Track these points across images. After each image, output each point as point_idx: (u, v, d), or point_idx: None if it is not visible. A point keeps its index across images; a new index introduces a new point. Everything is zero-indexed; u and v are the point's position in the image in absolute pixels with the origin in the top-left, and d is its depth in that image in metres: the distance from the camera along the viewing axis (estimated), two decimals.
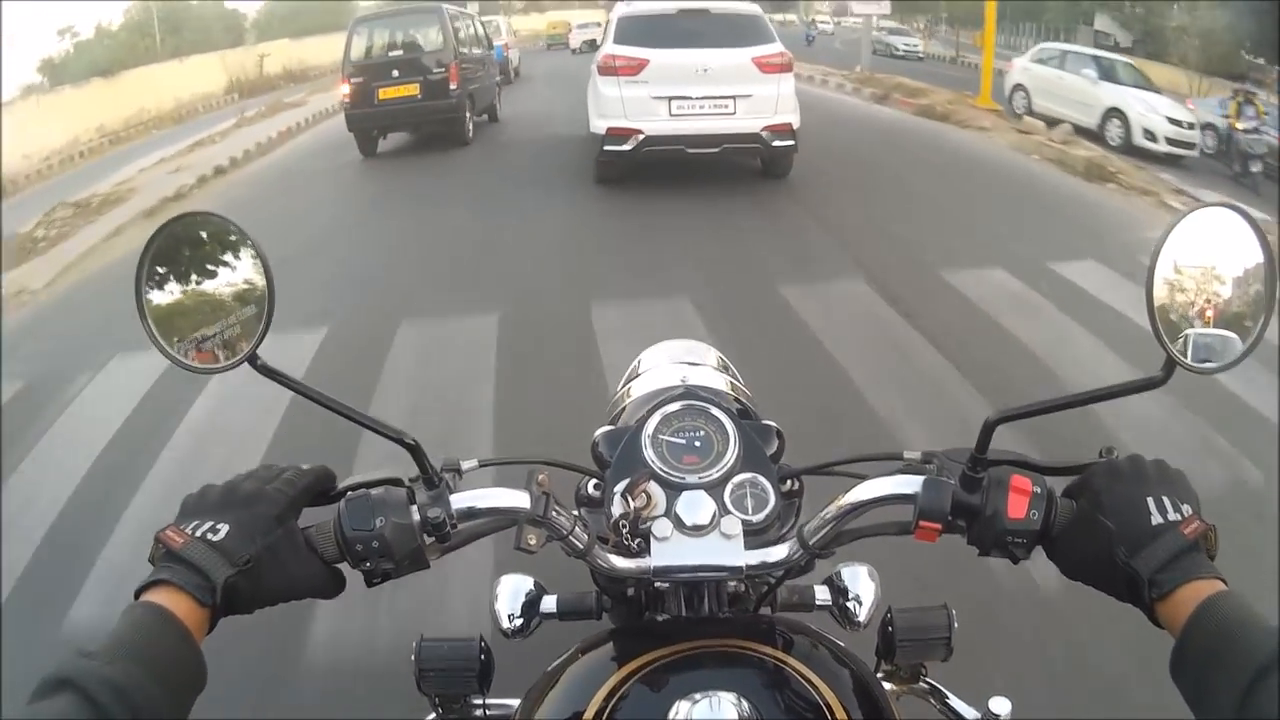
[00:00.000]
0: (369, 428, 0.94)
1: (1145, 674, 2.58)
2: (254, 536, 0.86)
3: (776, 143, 9.05)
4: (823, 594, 1.25)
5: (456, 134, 13.14)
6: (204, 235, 0.95)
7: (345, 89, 12.88)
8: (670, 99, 8.88)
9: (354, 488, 0.96)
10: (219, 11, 42.76)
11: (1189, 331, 0.88)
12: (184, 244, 0.94)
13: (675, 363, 1.57)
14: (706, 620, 1.13)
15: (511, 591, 1.25)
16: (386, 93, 12.66)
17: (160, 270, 0.92)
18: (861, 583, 1.24)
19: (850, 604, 1.23)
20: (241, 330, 0.93)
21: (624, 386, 1.55)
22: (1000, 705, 1.11)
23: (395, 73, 12.72)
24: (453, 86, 12.71)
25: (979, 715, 1.14)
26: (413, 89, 12.68)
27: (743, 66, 8.91)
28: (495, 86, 16.29)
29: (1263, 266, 0.86)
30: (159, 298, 0.93)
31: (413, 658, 1.12)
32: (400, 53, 13.24)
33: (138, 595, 0.81)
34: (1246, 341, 0.87)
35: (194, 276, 0.94)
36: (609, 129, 8.97)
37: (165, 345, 0.92)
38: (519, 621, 1.24)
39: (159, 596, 0.80)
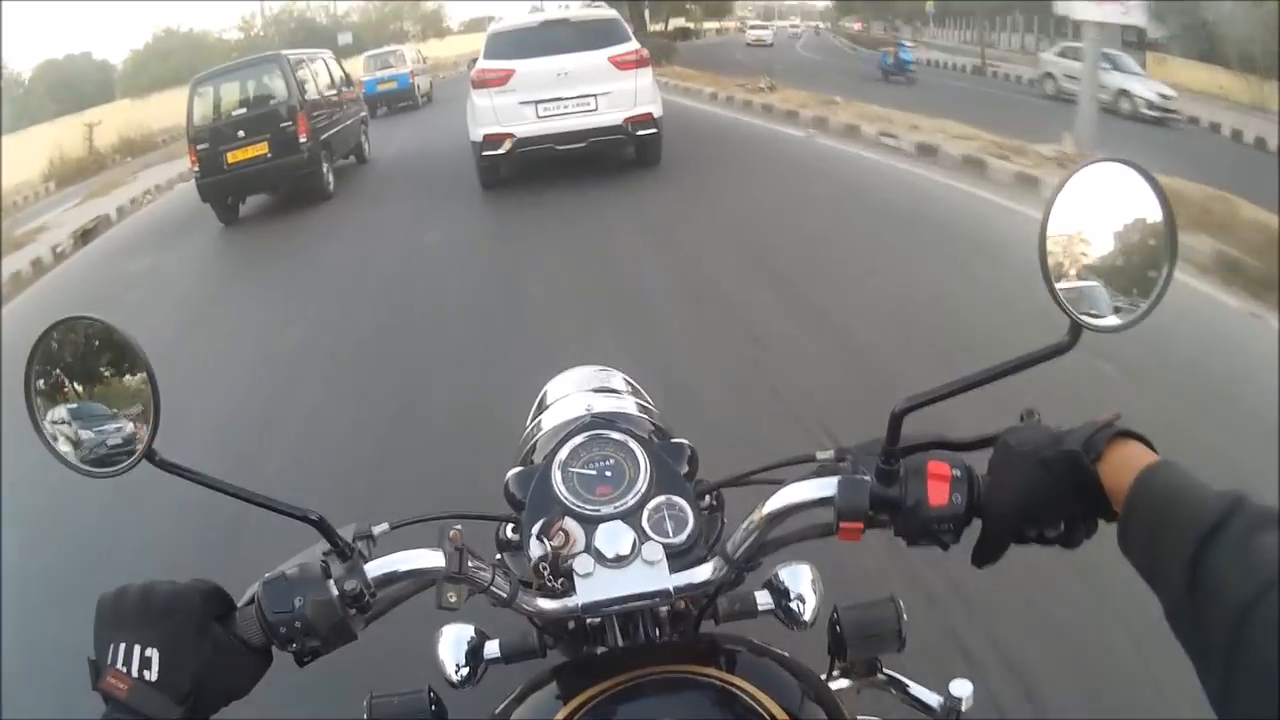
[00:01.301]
0: (272, 509, 0.96)
1: (1100, 633, 2.71)
2: (186, 658, 0.88)
3: (640, 132, 10.54)
4: (764, 599, 1.26)
5: (316, 188, 12.77)
6: (86, 339, 0.98)
7: (191, 156, 12.45)
8: (537, 103, 10.29)
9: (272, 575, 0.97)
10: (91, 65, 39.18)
11: (1089, 285, 0.89)
12: (65, 350, 0.97)
13: (581, 391, 1.59)
14: (647, 647, 1.15)
15: (454, 641, 1.26)
16: (235, 155, 12.20)
17: (48, 378, 0.96)
18: (802, 583, 1.24)
19: (794, 604, 1.23)
20: (133, 429, 0.96)
21: (532, 422, 1.57)
22: (962, 687, 1.14)
23: (241, 133, 12.23)
24: (302, 139, 12.29)
25: (941, 700, 1.17)
26: (261, 148, 12.22)
27: (600, 66, 10.33)
28: (361, 125, 16.10)
29: (1160, 220, 0.86)
30: (48, 408, 0.95)
31: (365, 717, 1.14)
32: (244, 111, 12.72)
33: None
34: (1150, 296, 0.87)
35: (82, 382, 0.98)
36: (485, 135, 10.38)
37: (63, 455, 0.95)
38: (465, 670, 1.25)
39: None
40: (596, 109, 10.39)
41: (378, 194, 13.07)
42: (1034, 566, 1.20)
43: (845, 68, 30.92)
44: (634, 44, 10.73)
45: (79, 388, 0.97)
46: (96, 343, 0.97)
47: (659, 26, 37.56)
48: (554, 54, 10.38)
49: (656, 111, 10.58)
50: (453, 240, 9.44)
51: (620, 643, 1.16)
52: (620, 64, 10.43)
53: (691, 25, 47.61)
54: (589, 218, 9.47)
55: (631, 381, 1.71)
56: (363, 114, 16.42)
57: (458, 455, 4.37)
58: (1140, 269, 0.87)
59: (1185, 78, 22.68)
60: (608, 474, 1.18)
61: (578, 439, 1.22)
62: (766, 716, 0.93)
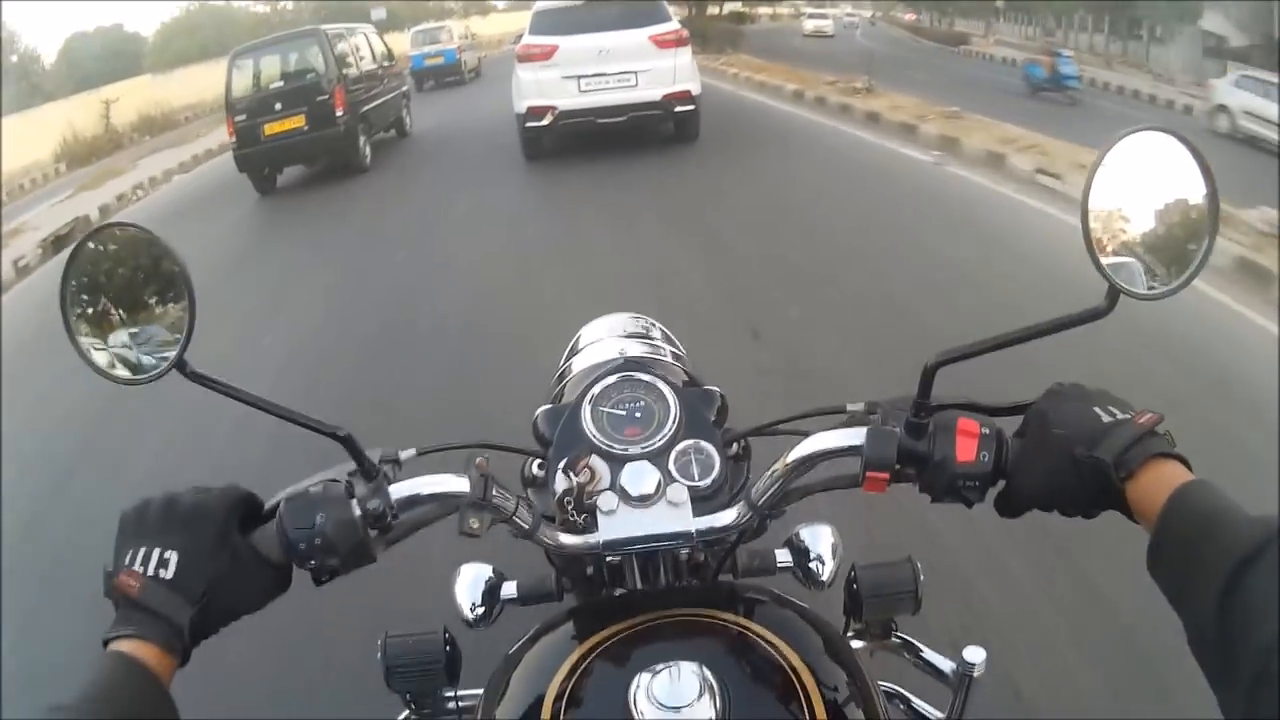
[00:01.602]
0: (301, 424, 0.95)
1: (1112, 613, 2.72)
2: (204, 562, 0.88)
3: (678, 108, 11.06)
4: (784, 556, 1.27)
5: (352, 162, 12.93)
6: (123, 247, 0.97)
7: (229, 128, 12.65)
8: (579, 77, 10.76)
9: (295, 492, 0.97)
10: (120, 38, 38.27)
11: (1129, 259, 0.88)
12: (103, 258, 0.97)
13: (614, 336, 1.60)
14: (665, 591, 1.15)
15: (471, 581, 1.26)
16: (272, 128, 12.37)
17: (82, 286, 0.95)
18: (822, 542, 1.25)
19: (813, 564, 1.24)
20: (167, 338, 0.95)
21: (564, 363, 1.58)
22: (975, 654, 1.13)
23: (279, 105, 12.41)
24: (339, 112, 12.42)
25: (954, 665, 1.16)
26: (298, 120, 12.37)
27: (641, 45, 10.77)
28: (402, 100, 16.15)
29: (1202, 189, 0.85)
30: (84, 313, 0.95)
31: (379, 655, 1.14)
32: (282, 84, 12.90)
33: (105, 643, 0.83)
34: (1191, 266, 0.86)
35: (116, 289, 0.97)
36: (529, 108, 10.90)
37: (95, 360, 0.95)
38: (481, 610, 1.26)
39: (127, 647, 0.82)
40: (636, 85, 10.79)
41: (415, 167, 13.14)
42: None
43: (938, 66, 27.95)
44: (674, 24, 11.15)
45: (114, 295, 0.97)
46: (135, 251, 0.97)
47: (715, 10, 36.58)
48: (596, 31, 10.83)
49: (695, 89, 11.02)
50: (486, 209, 9.69)
51: (639, 586, 1.16)
52: (660, 43, 10.82)
53: (746, 10, 45.51)
54: (627, 194, 9.61)
55: (665, 329, 1.72)
56: (404, 88, 16.46)
57: (491, 392, 4.51)
58: (1181, 239, 0.87)
59: None
60: (637, 415, 1.19)
61: (609, 379, 1.23)
62: (784, 664, 0.92)
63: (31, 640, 3.16)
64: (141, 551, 0.87)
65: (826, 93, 15.94)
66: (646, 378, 1.22)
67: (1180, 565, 0.75)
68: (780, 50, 27.38)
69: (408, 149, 14.97)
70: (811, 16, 50.36)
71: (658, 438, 1.15)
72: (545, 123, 10.93)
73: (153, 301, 0.97)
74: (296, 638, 2.71)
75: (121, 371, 0.96)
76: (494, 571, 1.28)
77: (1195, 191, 0.86)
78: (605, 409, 1.19)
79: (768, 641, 0.95)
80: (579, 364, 1.49)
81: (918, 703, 1.23)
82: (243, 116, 12.41)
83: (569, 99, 10.83)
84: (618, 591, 1.20)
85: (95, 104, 26.38)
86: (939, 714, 1.18)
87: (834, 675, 0.96)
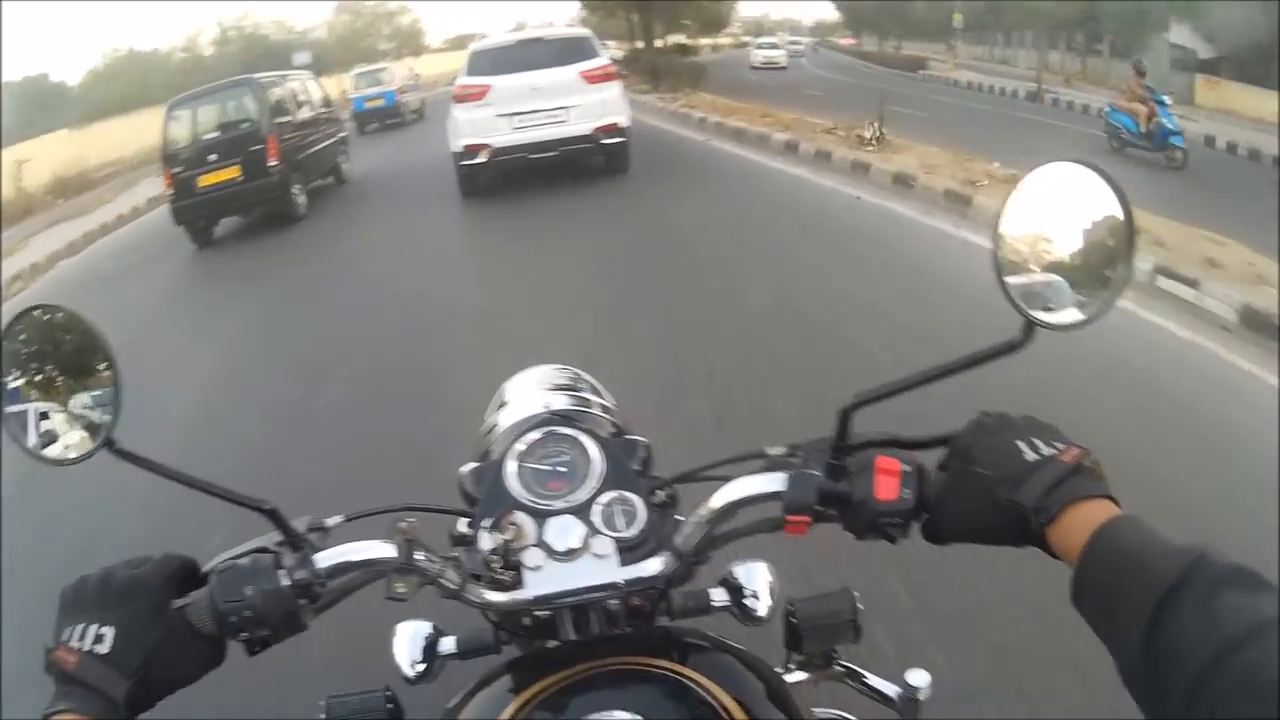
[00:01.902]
0: (226, 499, 0.98)
1: (1049, 621, 2.77)
2: (139, 636, 0.90)
3: (606, 140, 11.58)
4: (719, 595, 1.27)
5: (286, 211, 12.94)
6: (50, 329, 0.99)
7: (166, 179, 12.67)
8: (512, 115, 11.28)
9: (224, 562, 0.99)
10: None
11: (1044, 290, 0.88)
12: (33, 341, 0.99)
13: (539, 389, 1.61)
14: (600, 640, 1.16)
15: (410, 638, 1.27)
16: (207, 179, 12.39)
17: (12, 371, 0.97)
18: (757, 579, 1.25)
19: (749, 601, 1.24)
20: (97, 417, 0.97)
21: (490, 418, 1.59)
22: (919, 677, 1.17)
23: (213, 156, 12.43)
24: (272, 162, 12.44)
25: (899, 690, 1.19)
26: (234, 171, 12.40)
27: (571, 81, 11.36)
28: (339, 145, 16.18)
29: (1117, 219, 0.84)
30: (15, 398, 0.97)
31: (322, 717, 1.15)
32: (217, 134, 12.96)
33: (46, 718, 0.85)
34: (1105, 296, 0.85)
35: (45, 372, 0.99)
36: (465, 146, 11.40)
37: (24, 441, 0.97)
38: (421, 667, 1.26)
39: None
40: (568, 120, 11.37)
41: (352, 214, 13.17)
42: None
43: (927, 100, 24.61)
44: (604, 59, 11.92)
45: (41, 377, 0.99)
46: (61, 332, 0.99)
47: (660, 43, 35.24)
48: (528, 70, 11.41)
49: (624, 122, 11.66)
50: (420, 253, 9.85)
51: (573, 637, 1.18)
52: (590, 78, 11.48)
53: (689, 42, 42.93)
54: (562, 226, 9.93)
55: (590, 380, 1.73)
56: (343, 134, 16.46)
57: (420, 453, 4.47)
58: (1097, 268, 0.86)
59: (1242, 103, 20.11)
60: (561, 469, 1.19)
61: (533, 435, 1.24)
62: (719, 707, 0.94)
63: (32, 640, 3.15)
64: (79, 628, 0.89)
65: (828, 144, 13.00)
66: (569, 431, 1.23)
67: (1105, 600, 0.75)
68: (744, 86, 26.06)
69: (345, 196, 15.00)
70: (761, 46, 46.25)
71: (581, 490, 1.16)
72: (481, 160, 11.46)
73: (80, 381, 0.99)
74: (238, 706, 2.64)
75: (51, 452, 0.98)
76: (432, 628, 1.28)
77: (1112, 222, 0.86)
78: (529, 465, 1.20)
79: (701, 686, 0.97)
80: (504, 418, 1.50)
81: None
82: (179, 168, 12.45)
83: (503, 136, 11.34)
84: (550, 643, 1.21)
85: (9, 164, 23.97)
86: None
87: (768, 715, 0.99)
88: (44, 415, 0.99)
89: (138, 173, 24.54)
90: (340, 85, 29.70)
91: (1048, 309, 0.88)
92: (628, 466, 1.21)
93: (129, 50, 40.38)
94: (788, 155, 13.44)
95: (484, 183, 11.95)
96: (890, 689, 1.22)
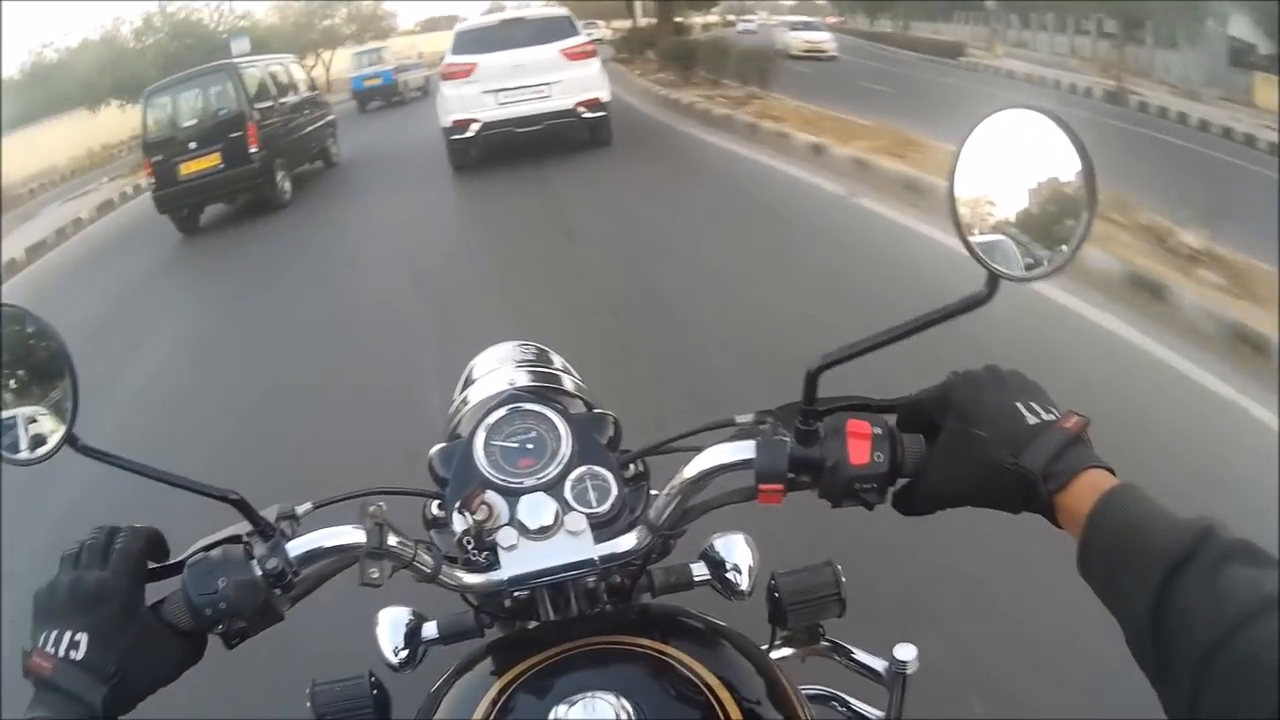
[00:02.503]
0: (193, 490, 0.98)
1: (1037, 593, 2.78)
2: (113, 640, 0.90)
3: (588, 115, 12.28)
4: (700, 570, 1.27)
5: (270, 198, 12.98)
6: (3, 326, 0.98)
7: (146, 168, 12.81)
8: (497, 91, 12.07)
9: (196, 552, 0.99)
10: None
11: (1005, 242, 0.87)
12: None
13: (505, 365, 1.60)
14: (581, 619, 1.17)
15: (391, 624, 1.28)
16: (189, 167, 12.45)
17: None
18: (738, 551, 1.26)
19: (730, 575, 1.25)
20: (53, 416, 0.98)
21: (459, 397, 1.59)
22: (905, 651, 1.16)
23: (193, 144, 12.51)
24: (252, 149, 12.51)
25: (886, 664, 1.19)
26: (214, 159, 12.48)
27: (552, 58, 12.13)
28: (326, 129, 16.15)
29: (1076, 167, 0.83)
30: None
31: (308, 704, 1.16)
32: (195, 121, 12.97)
33: None
34: (1069, 246, 0.85)
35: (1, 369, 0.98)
36: (453, 121, 12.23)
37: None
38: (404, 653, 1.27)
39: None
40: (550, 95, 12.13)
41: (339, 198, 13.25)
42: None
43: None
44: (582, 37, 12.79)
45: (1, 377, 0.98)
46: (12, 328, 0.99)
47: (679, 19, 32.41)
48: (512, 48, 12.19)
49: (604, 96, 12.37)
50: (406, 236, 9.97)
51: (553, 617, 1.19)
52: (571, 55, 12.30)
53: (680, 20, 38.90)
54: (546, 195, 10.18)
55: (557, 355, 1.73)
56: (329, 117, 16.43)
57: (401, 435, 4.44)
58: (1058, 218, 0.86)
59: None
60: (529, 446, 1.20)
61: (499, 412, 1.24)
62: (700, 683, 0.95)
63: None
64: (54, 633, 0.90)
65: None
66: (536, 407, 1.25)
67: (1113, 570, 0.76)
68: (799, 82, 19.78)
69: (333, 180, 15.02)
70: (796, 28, 35.82)
71: (551, 467, 1.17)
72: (469, 135, 12.23)
73: (36, 379, 0.99)
74: (223, 701, 2.72)
75: (11, 452, 0.98)
76: (413, 614, 1.30)
77: (1071, 170, 0.84)
78: (497, 442, 1.21)
79: (683, 664, 0.98)
80: (472, 396, 1.50)
81: (856, 703, 1.26)
82: (159, 156, 12.51)
83: (489, 112, 12.14)
84: (531, 624, 1.22)
85: None
86: (878, 713, 1.21)
87: (753, 690, 0.99)
88: (1, 413, 0.98)
89: (70, 187, 23.01)
90: (323, 68, 29.40)
91: (1010, 262, 0.86)
92: (597, 441, 1.23)
93: (48, 48, 36.02)
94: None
95: (473, 157, 12.61)
96: (877, 664, 1.22)
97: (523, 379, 1.47)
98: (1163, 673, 0.69)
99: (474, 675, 1.07)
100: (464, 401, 1.52)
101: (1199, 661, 0.65)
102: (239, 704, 2.83)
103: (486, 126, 12.18)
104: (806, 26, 36.55)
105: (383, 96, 29.22)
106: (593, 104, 12.27)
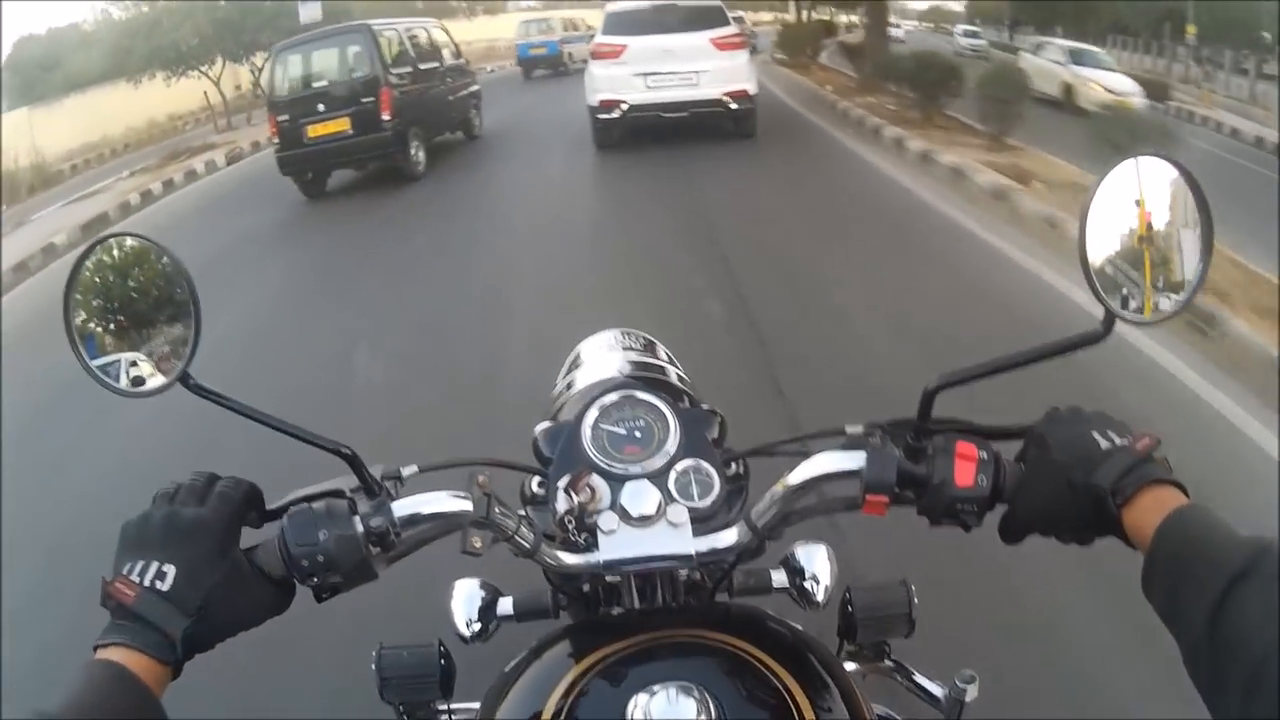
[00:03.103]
0: (306, 441, 1.02)
1: (1104, 642, 2.83)
2: (202, 576, 0.93)
3: (735, 105, 12.74)
4: (779, 577, 1.34)
5: (403, 168, 12.99)
6: (127, 257, 1.04)
7: (271, 127, 12.89)
8: (646, 74, 12.64)
9: (296, 502, 1.02)
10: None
11: (1125, 283, 0.95)
12: (108, 268, 1.03)
13: (613, 352, 1.66)
14: (661, 611, 1.22)
15: (467, 596, 1.34)
16: (316, 130, 12.53)
17: (86, 295, 1.02)
18: (818, 562, 1.33)
19: (808, 584, 1.31)
20: (171, 350, 1.02)
21: (564, 379, 1.64)
22: (967, 679, 1.21)
23: (322, 106, 12.57)
24: (385, 117, 12.51)
25: (945, 690, 1.24)
26: (343, 124, 12.52)
27: (703, 46, 12.65)
28: (470, 99, 16.28)
29: (1196, 214, 0.91)
30: (87, 323, 1.02)
31: (373, 666, 1.22)
32: (324, 83, 13.07)
33: (96, 648, 0.88)
34: (1184, 291, 0.93)
35: (120, 299, 1.04)
36: (601, 100, 12.87)
37: (97, 371, 1.02)
38: (477, 626, 1.33)
39: (118, 655, 0.87)
40: (699, 83, 12.64)
41: (476, 174, 13.22)
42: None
43: None
44: (733, 28, 13.27)
45: (119, 306, 1.04)
46: (140, 262, 1.04)
47: (789, 17, 32.40)
48: (663, 33, 12.84)
49: (752, 89, 12.87)
50: (543, 224, 9.81)
51: (635, 606, 1.24)
52: (721, 45, 12.75)
53: (828, 18, 36.12)
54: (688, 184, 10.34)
55: (664, 348, 1.78)
56: (473, 88, 16.65)
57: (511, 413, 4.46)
58: (1174, 262, 0.93)
59: None
60: (637, 434, 1.24)
61: (609, 397, 1.28)
62: (780, 686, 0.98)
63: (31, 641, 3.32)
64: (140, 563, 0.92)
65: None
66: (647, 396, 1.29)
67: (1173, 585, 0.81)
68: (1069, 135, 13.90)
69: (474, 153, 15.07)
70: (1081, 62, 23.71)
71: (657, 457, 1.21)
72: (616, 115, 12.87)
73: (159, 314, 1.03)
74: (290, 648, 2.84)
75: (124, 383, 1.03)
76: (489, 588, 1.35)
77: (1191, 217, 0.92)
78: (605, 427, 1.25)
79: (763, 663, 1.01)
80: (579, 380, 1.55)
81: None
82: (285, 116, 12.63)
83: (637, 94, 12.75)
84: (614, 610, 1.27)
85: None
86: None
87: (828, 698, 1.02)
88: (120, 343, 1.04)
89: (123, 159, 23.37)
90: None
91: (1127, 303, 0.95)
92: (703, 435, 1.26)
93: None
94: None
95: (617, 136, 13.31)
96: (937, 689, 1.27)
97: (632, 367, 1.53)
98: (1216, 685, 0.73)
99: (553, 656, 1.11)
100: (570, 384, 1.57)
101: (1252, 674, 0.69)
102: (298, 656, 2.95)
103: (633, 109, 12.81)
104: (1093, 62, 24.09)
105: (548, 65, 31.85)
106: (740, 95, 12.72)
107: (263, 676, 2.91)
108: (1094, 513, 0.94)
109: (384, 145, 12.71)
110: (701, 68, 12.59)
